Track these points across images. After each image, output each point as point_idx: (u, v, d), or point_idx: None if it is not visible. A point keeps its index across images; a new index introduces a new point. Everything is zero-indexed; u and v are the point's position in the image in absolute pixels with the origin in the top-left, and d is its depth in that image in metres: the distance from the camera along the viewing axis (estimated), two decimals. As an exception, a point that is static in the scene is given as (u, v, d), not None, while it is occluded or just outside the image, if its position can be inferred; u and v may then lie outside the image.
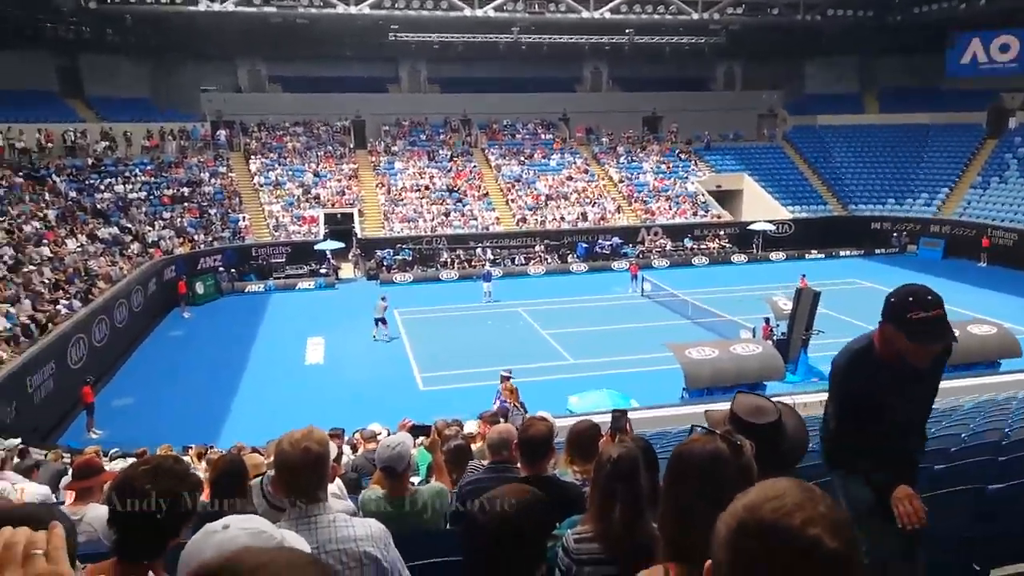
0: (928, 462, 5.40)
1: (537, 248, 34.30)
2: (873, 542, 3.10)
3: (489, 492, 2.06)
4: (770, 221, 35.86)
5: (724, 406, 2.65)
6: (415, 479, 6.06)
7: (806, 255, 35.05)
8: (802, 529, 1.02)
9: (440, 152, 40.04)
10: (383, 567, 2.39)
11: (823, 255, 35.37)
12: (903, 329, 2.72)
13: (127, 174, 33.19)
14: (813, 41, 42.81)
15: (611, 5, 36.27)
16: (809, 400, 14.30)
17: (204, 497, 5.35)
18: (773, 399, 2.61)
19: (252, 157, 37.60)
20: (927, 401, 3.23)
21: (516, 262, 33.54)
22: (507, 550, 1.91)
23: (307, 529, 2.38)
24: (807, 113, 44.84)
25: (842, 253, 35.61)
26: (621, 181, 39.42)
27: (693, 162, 41.48)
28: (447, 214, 35.42)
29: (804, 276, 25.09)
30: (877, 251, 35.66)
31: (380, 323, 23.06)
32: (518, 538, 1.91)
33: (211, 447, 10.80)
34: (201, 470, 8.66)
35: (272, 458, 2.55)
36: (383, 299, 23.44)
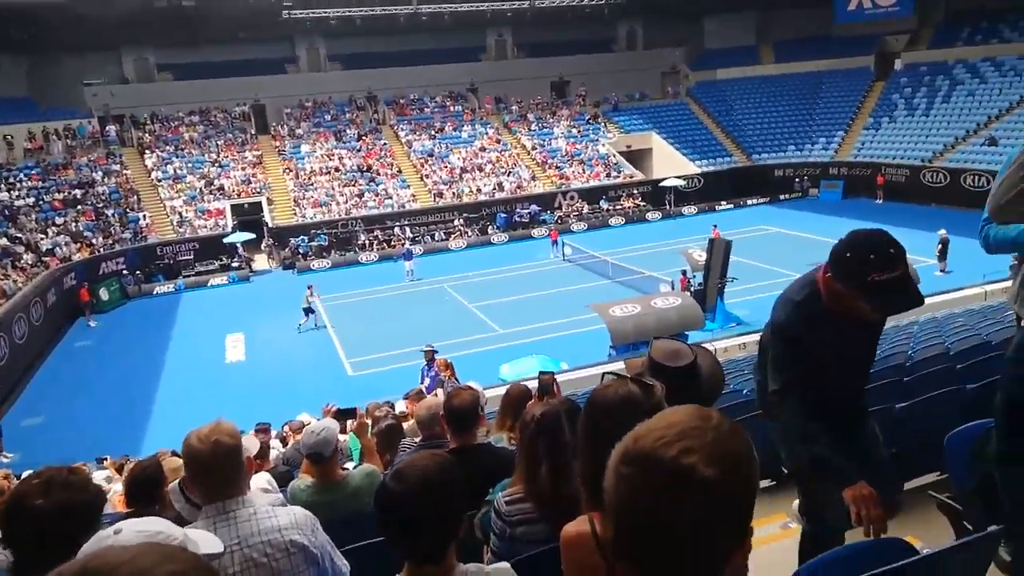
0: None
1: (456, 222, 34.07)
2: (810, 503, 3.06)
3: (399, 465, 2.00)
4: (680, 177, 36.74)
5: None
6: (349, 464, 5.94)
7: (716, 207, 36.13)
8: (677, 458, 1.03)
9: (347, 132, 39.03)
10: (311, 553, 2.31)
11: (732, 205, 36.55)
12: (863, 292, 2.37)
13: (11, 180, 31.07)
14: (708, -3, 43.81)
15: (508, -29, 35.98)
16: (728, 345, 14.87)
17: (120, 507, 5.09)
18: (689, 343, 2.64)
19: (147, 152, 35.69)
20: (868, 359, 2.94)
21: (436, 238, 33.26)
22: (422, 514, 1.86)
23: (227, 525, 2.27)
24: (708, 68, 45.98)
25: (749, 202, 36.89)
26: (534, 148, 39.49)
27: (603, 124, 41.92)
28: (361, 195, 34.68)
29: (716, 227, 25.87)
30: (782, 197, 37.10)
31: (308, 312, 22.46)
32: (432, 501, 1.86)
33: (127, 458, 10.32)
34: (122, 482, 8.27)
35: (183, 457, 2.41)
36: (309, 288, 22.83)
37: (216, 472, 2.28)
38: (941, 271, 21.36)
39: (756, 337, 15.47)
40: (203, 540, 1.90)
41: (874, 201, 34.06)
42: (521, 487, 2.57)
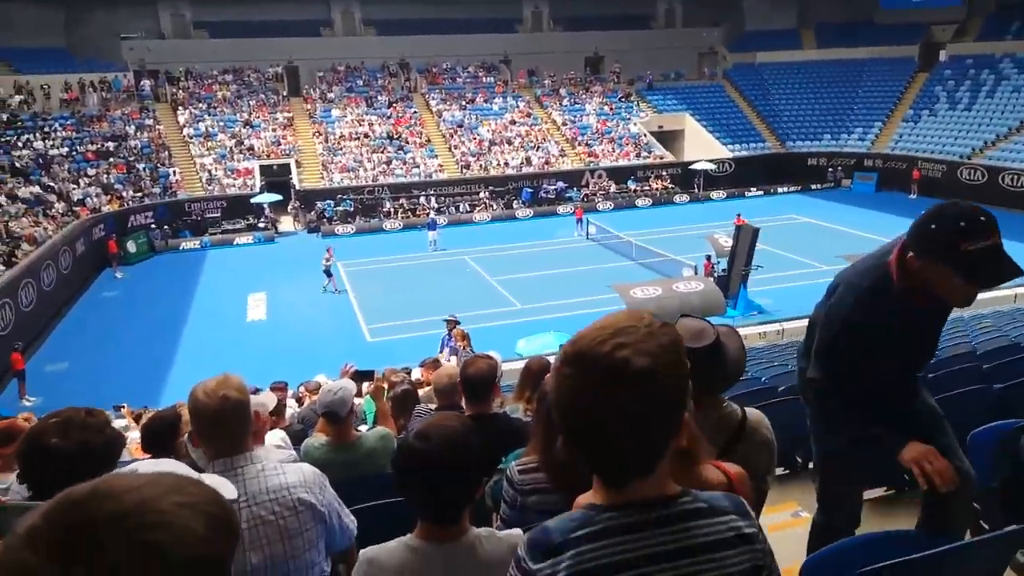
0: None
1: (482, 195, 33.96)
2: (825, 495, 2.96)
3: (420, 426, 2.00)
4: (711, 160, 36.20)
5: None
6: (363, 427, 5.99)
7: (746, 193, 35.63)
8: (611, 353, 1.13)
9: (379, 98, 38.92)
10: (319, 511, 2.31)
11: (762, 192, 36.01)
12: (955, 266, 2.13)
13: (46, 129, 31.40)
14: (751, -23, 42.82)
15: (548, -59, 35.40)
16: (748, 333, 14.74)
17: (136, 454, 5.18)
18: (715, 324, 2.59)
19: (180, 108, 35.89)
20: (935, 342, 2.74)
21: (461, 209, 33.20)
22: (444, 473, 1.87)
23: (233, 482, 2.27)
24: (746, 50, 45.04)
25: (780, 190, 36.31)
26: (564, 124, 39.11)
27: (636, 103, 41.36)
28: (388, 162, 34.66)
29: (740, 215, 25.52)
30: (813, 186, 36.47)
31: (328, 275, 22.65)
32: (455, 461, 1.88)
33: (146, 408, 10.50)
34: (139, 431, 8.43)
35: (190, 411, 2.39)
36: (328, 250, 22.97)
37: (222, 427, 2.25)
38: (972, 270, 20.89)
39: (776, 327, 15.40)
40: (218, 485, 1.91)
41: (908, 196, 33.36)
42: (536, 457, 2.56)
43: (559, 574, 1.19)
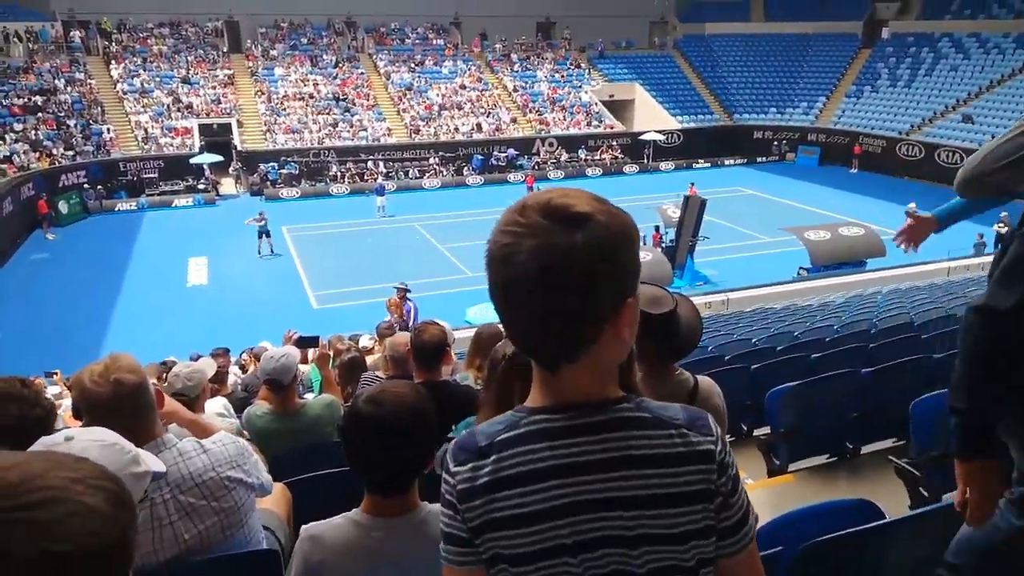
0: (805, 352, 5.71)
1: (431, 160, 33.47)
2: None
3: (372, 390, 1.91)
4: (660, 131, 36.41)
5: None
6: (308, 395, 5.86)
7: (694, 165, 36.01)
8: (560, 200, 1.06)
9: (324, 57, 37.76)
10: (248, 483, 2.20)
11: (709, 164, 36.45)
12: None
13: (-34, 81, 29.57)
14: (703, -53, 42.82)
15: (501, -100, 34.62)
16: (696, 302, 14.98)
17: (69, 423, 4.95)
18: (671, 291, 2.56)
19: (113, 62, 34.16)
20: None
21: (410, 175, 32.67)
22: (394, 440, 1.79)
23: None
24: (697, 21, 45.17)
25: (727, 162, 36.81)
26: (515, 91, 38.70)
27: (587, 71, 41.18)
28: (335, 125, 33.78)
29: (693, 184, 25.82)
30: (759, 159, 37.10)
31: (264, 236, 22.09)
32: (406, 428, 1.79)
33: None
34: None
35: (79, 402, 2.12)
36: (261, 213, 22.39)
37: (120, 416, 1.99)
38: (907, 244, 21.66)
39: (722, 297, 15.68)
40: (151, 459, 1.80)
41: (849, 170, 34.25)
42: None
43: (479, 479, 1.09)
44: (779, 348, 6.33)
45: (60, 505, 0.71)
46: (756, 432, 4.98)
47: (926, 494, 3.07)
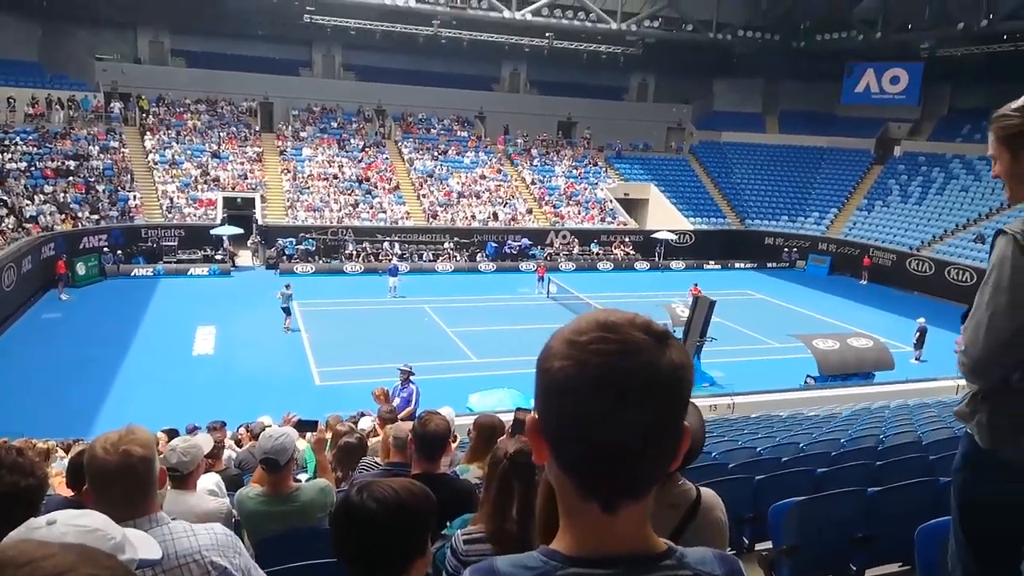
0: (811, 465, 5.60)
1: (446, 245, 34.02)
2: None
3: (368, 481, 1.90)
4: (672, 231, 37.01)
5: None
6: (303, 476, 5.77)
7: (704, 265, 36.37)
8: (642, 327, 1.00)
9: (351, 141, 39.08)
10: (232, 574, 2.16)
11: (719, 266, 36.82)
12: None
13: (6, 142, 30.67)
14: (723, 60, 44.87)
15: (533, 7, 36.61)
16: (699, 404, 14.79)
17: (59, 489, 4.88)
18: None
19: (148, 133, 35.48)
20: None
21: (424, 258, 33.15)
22: (387, 538, 1.75)
23: None
24: (713, 129, 46.71)
25: (737, 265, 37.18)
26: (533, 183, 39.71)
27: (604, 169, 42.31)
28: (355, 205, 34.60)
29: (696, 284, 25.98)
30: (769, 264, 37.45)
31: (286, 312, 22.24)
32: (397, 524, 1.76)
33: (79, 440, 10.00)
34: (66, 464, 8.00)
35: (86, 468, 2.16)
36: (287, 287, 22.60)
37: (123, 487, 2.04)
38: (916, 359, 21.54)
39: (727, 400, 15.52)
40: (142, 542, 1.77)
41: (859, 281, 34.45)
42: (483, 526, 2.45)
43: None
44: (784, 459, 6.22)
45: None
46: (758, 547, 4.83)
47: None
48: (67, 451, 9.03)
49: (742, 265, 37.22)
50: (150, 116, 36.47)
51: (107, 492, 2.05)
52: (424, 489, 1.90)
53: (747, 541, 5.00)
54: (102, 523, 1.56)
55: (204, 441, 3.78)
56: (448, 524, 2.93)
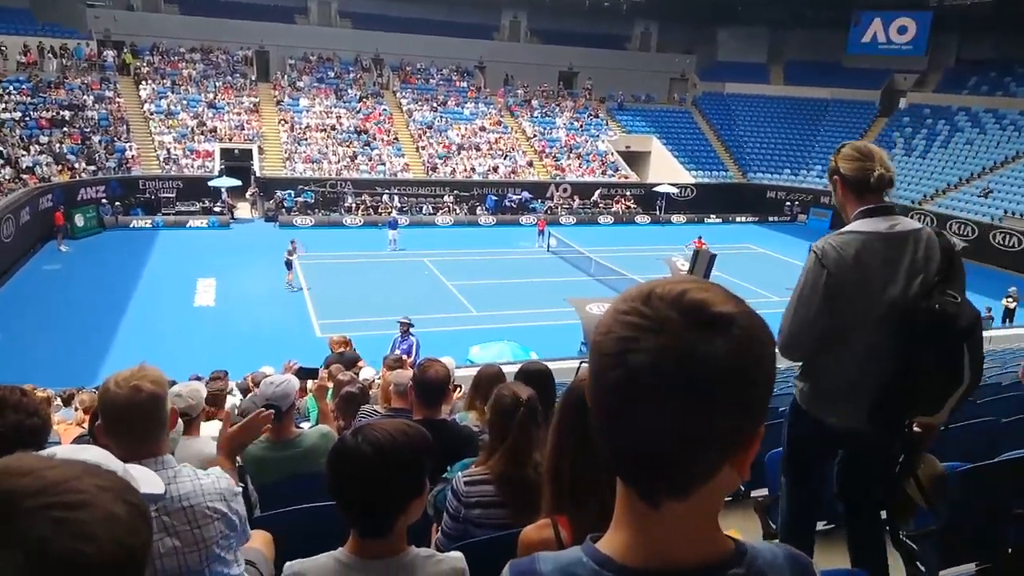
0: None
1: (446, 198, 33.80)
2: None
3: (363, 425, 1.90)
4: (674, 184, 36.72)
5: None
6: (305, 425, 5.82)
7: (705, 219, 36.21)
8: (697, 295, 0.84)
9: (349, 91, 38.49)
10: (231, 520, 2.20)
11: (721, 220, 36.65)
12: None
13: (0, 91, 30.20)
14: (727, 8, 43.86)
15: (532, -47, 35.65)
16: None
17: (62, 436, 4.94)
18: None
19: (143, 83, 34.92)
20: None
21: (424, 211, 32.98)
22: (380, 481, 1.75)
23: None
24: (717, 80, 45.95)
25: (738, 219, 37.01)
26: (534, 136, 39.25)
27: (605, 121, 41.78)
28: (354, 157, 34.26)
29: (701, 238, 25.91)
30: (771, 218, 37.26)
31: (289, 267, 22.20)
32: (391, 466, 1.75)
33: (82, 388, 10.10)
34: (73, 412, 8.09)
35: (98, 402, 2.19)
36: (292, 243, 22.50)
37: (131, 423, 2.06)
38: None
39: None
40: (144, 477, 1.78)
41: (860, 235, 34.32)
42: (492, 468, 2.48)
43: None
44: (780, 409, 6.27)
45: (94, 509, 0.72)
46: (753, 493, 4.90)
47: (923, 568, 3.01)
48: (67, 401, 9.12)
49: (743, 219, 37.05)
50: (144, 64, 35.81)
51: (118, 427, 2.07)
52: (419, 430, 1.89)
53: (743, 488, 5.08)
54: (102, 456, 1.57)
55: (196, 392, 3.81)
56: (449, 468, 2.98)
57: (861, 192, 2.64)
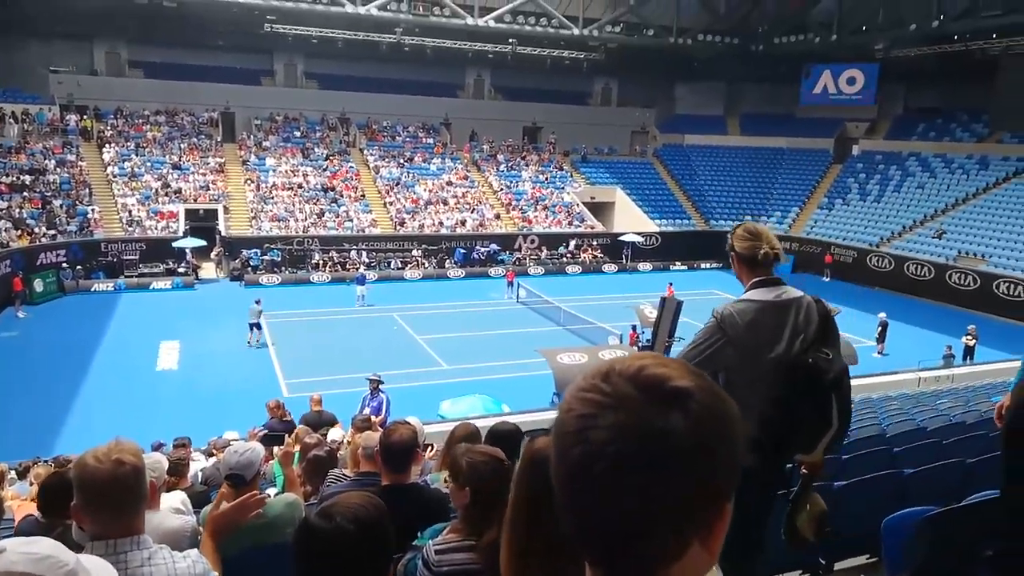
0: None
1: (414, 252, 33.85)
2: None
3: (330, 499, 1.86)
4: (639, 233, 37.32)
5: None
6: (271, 491, 5.67)
7: (671, 266, 36.73)
8: (652, 370, 0.84)
9: (316, 150, 38.72)
10: None
11: (686, 267, 37.19)
12: None
13: (-43, 157, 29.83)
14: (684, 65, 45.48)
15: (495, 14, 36.74)
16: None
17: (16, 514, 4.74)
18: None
19: (106, 145, 34.74)
20: None
21: (392, 266, 32.94)
22: (344, 558, 1.71)
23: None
24: (676, 132, 47.30)
25: (703, 265, 37.60)
26: (500, 189, 39.74)
27: (570, 173, 42.54)
28: (321, 214, 34.26)
29: (671, 284, 26.23)
30: (736, 265, 37.86)
31: (254, 328, 21.89)
32: (359, 546, 1.71)
33: (38, 460, 9.72)
34: (28, 486, 7.78)
35: (75, 479, 2.13)
36: (257, 302, 22.24)
37: (113, 498, 2.00)
38: (879, 353, 21.99)
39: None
40: (97, 569, 1.71)
41: (821, 278, 35.04)
42: (460, 535, 2.42)
43: None
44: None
45: None
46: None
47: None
48: (22, 474, 8.78)
49: (708, 265, 37.64)
50: (107, 130, 35.69)
51: (99, 503, 2.01)
52: (377, 503, 1.85)
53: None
54: (53, 550, 1.50)
55: (155, 459, 3.70)
56: (420, 534, 2.90)
57: (752, 266, 3.02)
